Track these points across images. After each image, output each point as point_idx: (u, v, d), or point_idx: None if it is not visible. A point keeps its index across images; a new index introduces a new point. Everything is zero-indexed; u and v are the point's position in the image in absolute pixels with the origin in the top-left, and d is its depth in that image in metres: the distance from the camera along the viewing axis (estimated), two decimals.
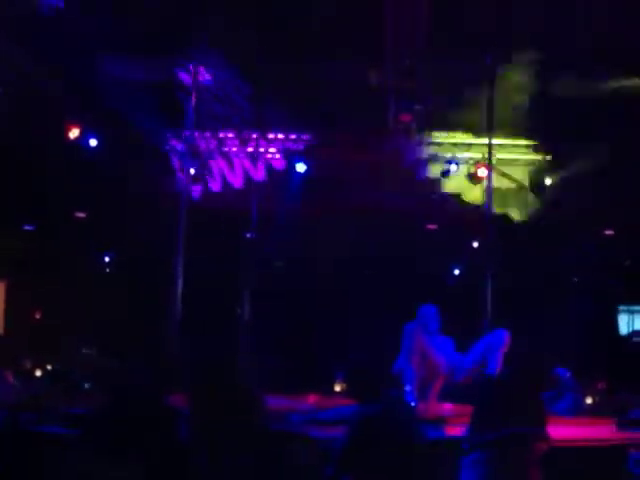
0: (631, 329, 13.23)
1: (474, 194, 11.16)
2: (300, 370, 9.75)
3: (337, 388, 9.21)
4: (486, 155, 10.45)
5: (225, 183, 10.75)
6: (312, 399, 7.74)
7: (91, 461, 3.93)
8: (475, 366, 6.79)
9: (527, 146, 11.32)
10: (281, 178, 10.97)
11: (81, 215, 11.60)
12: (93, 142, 9.30)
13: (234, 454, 4.05)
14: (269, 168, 10.90)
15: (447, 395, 6.99)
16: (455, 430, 5.62)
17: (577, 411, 7.85)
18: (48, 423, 5.36)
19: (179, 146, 9.96)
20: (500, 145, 10.95)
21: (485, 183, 10.62)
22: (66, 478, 3.79)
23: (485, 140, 10.41)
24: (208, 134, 10.46)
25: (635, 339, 12.95)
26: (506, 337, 7.02)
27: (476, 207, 11.00)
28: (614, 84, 9.87)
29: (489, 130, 10.31)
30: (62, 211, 11.22)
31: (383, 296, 11.67)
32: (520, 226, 11.33)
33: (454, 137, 11.12)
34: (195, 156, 9.78)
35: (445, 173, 11.05)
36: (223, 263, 11.24)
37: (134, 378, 4.63)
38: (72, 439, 4.62)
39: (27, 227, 12.22)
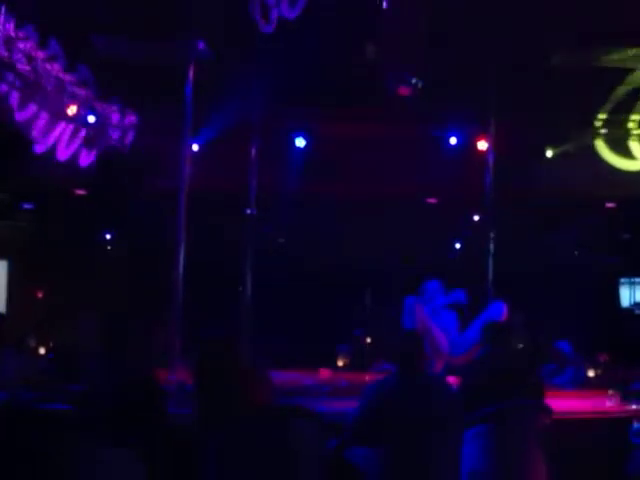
0: (632, 301, 13.24)
1: None
2: (303, 346, 9.77)
3: (340, 363, 9.22)
4: None
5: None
6: (324, 374, 7.77)
7: (92, 441, 3.94)
8: (474, 342, 6.78)
9: None
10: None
11: (81, 192, 11.58)
12: (91, 118, 9.26)
13: (239, 431, 4.06)
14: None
15: (449, 370, 7.00)
16: None
17: (579, 384, 7.87)
18: (51, 401, 5.37)
19: None
20: None
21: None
22: (68, 457, 3.80)
23: None
24: None
25: (637, 311, 12.96)
26: (504, 310, 7.02)
27: None
28: None
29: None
30: (62, 189, 11.19)
31: (385, 272, 11.68)
32: (521, 200, 11.29)
33: None
34: None
35: None
36: (223, 241, 11.23)
37: (131, 358, 4.64)
38: (72, 417, 4.64)
39: (27, 206, 12.21)
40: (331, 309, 11.24)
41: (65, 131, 9.18)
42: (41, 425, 4.89)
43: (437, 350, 6.98)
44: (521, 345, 7.53)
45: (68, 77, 8.79)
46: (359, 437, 4.53)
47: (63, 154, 9.20)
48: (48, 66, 8.25)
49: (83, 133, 9.51)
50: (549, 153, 11.31)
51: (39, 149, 8.82)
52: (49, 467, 3.83)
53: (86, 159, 9.71)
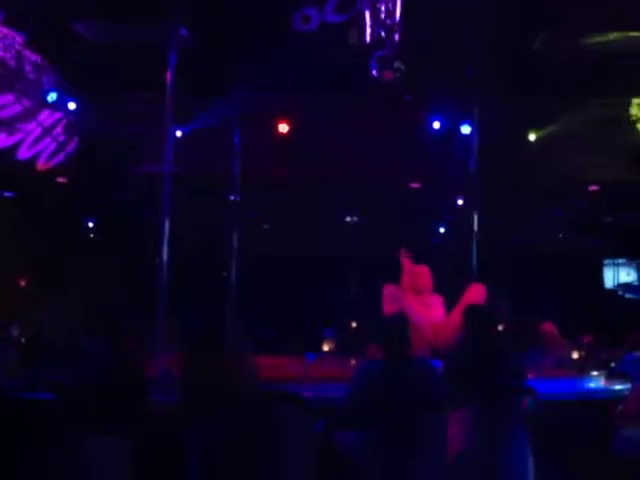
0: (616, 283, 13.32)
1: None
2: (288, 331, 9.77)
3: (325, 347, 9.22)
4: None
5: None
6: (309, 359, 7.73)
7: (79, 429, 3.92)
8: (457, 325, 6.79)
9: None
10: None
11: (62, 180, 11.49)
12: (72, 105, 9.18)
13: (224, 417, 4.06)
14: None
15: (433, 354, 7.02)
16: None
17: (563, 366, 7.91)
18: (35, 390, 5.34)
19: None
20: None
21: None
22: (54, 446, 3.79)
23: None
24: None
25: (621, 292, 13.04)
26: (483, 292, 7.05)
27: None
28: None
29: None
30: (42, 176, 11.10)
31: (371, 257, 11.69)
32: (505, 184, 11.31)
33: None
34: None
35: None
36: (208, 227, 11.19)
37: (117, 346, 4.63)
38: (58, 406, 4.62)
39: (7, 194, 12.14)
40: (316, 294, 11.24)
41: (33, 132, 9.05)
42: (27, 415, 4.87)
43: (420, 335, 6.99)
44: (503, 327, 7.56)
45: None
46: (347, 421, 4.54)
47: (24, 154, 9.07)
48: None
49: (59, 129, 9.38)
50: (532, 137, 11.34)
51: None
52: (35, 457, 3.82)
53: (46, 160, 9.52)
